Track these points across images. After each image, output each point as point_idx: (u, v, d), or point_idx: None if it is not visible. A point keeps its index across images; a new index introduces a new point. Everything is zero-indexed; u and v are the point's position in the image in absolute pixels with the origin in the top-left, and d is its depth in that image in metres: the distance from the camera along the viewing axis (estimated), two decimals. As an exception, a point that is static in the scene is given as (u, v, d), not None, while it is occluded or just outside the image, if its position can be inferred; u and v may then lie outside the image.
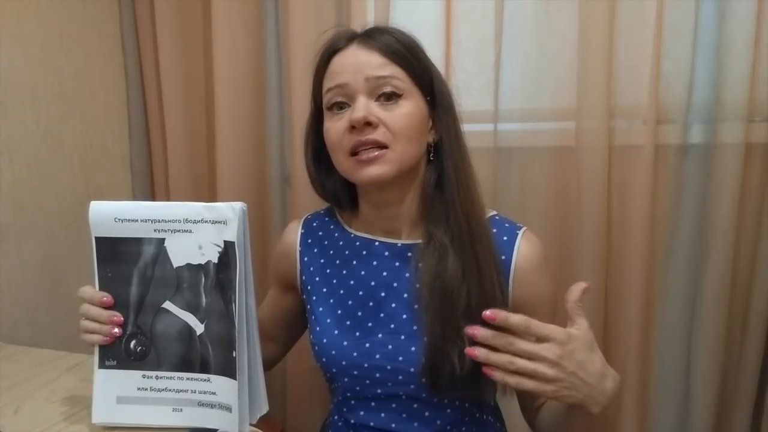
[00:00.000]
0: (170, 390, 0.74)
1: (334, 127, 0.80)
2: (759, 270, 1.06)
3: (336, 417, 0.92)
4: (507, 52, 1.15)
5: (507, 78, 1.16)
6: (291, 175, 1.31)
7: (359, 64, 0.78)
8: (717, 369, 1.09)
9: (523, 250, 0.82)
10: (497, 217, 0.86)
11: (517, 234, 0.83)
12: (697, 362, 1.11)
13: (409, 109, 0.79)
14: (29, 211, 1.20)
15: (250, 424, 0.73)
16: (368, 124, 0.76)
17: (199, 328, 0.73)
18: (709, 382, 1.10)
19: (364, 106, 0.77)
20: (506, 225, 0.85)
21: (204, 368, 0.73)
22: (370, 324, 0.84)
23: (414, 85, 0.80)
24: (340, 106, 0.80)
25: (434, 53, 0.88)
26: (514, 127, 1.19)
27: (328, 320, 0.86)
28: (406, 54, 0.79)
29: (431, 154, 0.83)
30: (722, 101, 1.04)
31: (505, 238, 0.83)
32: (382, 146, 0.77)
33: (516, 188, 1.19)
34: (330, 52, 0.82)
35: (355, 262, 0.87)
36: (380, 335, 0.83)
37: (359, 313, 0.85)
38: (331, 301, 0.87)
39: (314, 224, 0.94)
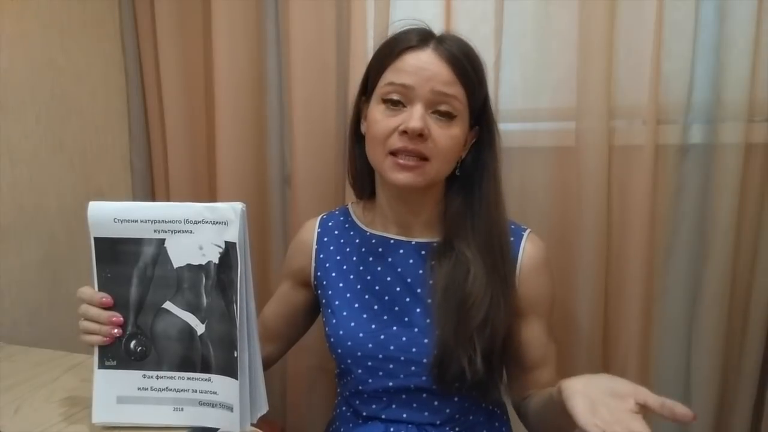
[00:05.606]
0: (171, 390, 0.74)
1: (385, 122, 0.82)
2: (759, 270, 1.06)
3: (344, 408, 0.95)
4: (507, 52, 1.15)
5: (507, 78, 1.16)
6: (291, 175, 1.31)
7: (431, 73, 0.80)
8: (717, 369, 1.09)
9: (529, 251, 0.89)
10: None
11: (523, 235, 0.90)
12: (697, 362, 1.11)
13: (457, 131, 0.83)
14: (29, 211, 1.20)
15: (251, 424, 0.73)
16: (420, 136, 0.79)
17: (200, 328, 0.73)
18: (709, 382, 1.09)
19: (421, 117, 0.79)
20: (512, 227, 0.90)
21: (205, 368, 0.73)
22: (385, 317, 0.88)
23: (467, 108, 0.83)
24: (395, 104, 0.81)
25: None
26: (514, 127, 1.19)
27: (345, 313, 0.89)
28: (473, 78, 0.82)
29: (457, 169, 0.87)
30: (722, 101, 1.03)
31: (512, 238, 0.88)
32: (424, 158, 0.81)
33: (516, 188, 1.19)
34: (404, 47, 0.82)
35: (371, 259, 0.91)
36: (395, 328, 0.87)
37: (375, 307, 0.89)
38: (348, 295, 0.91)
39: (330, 224, 0.98)
